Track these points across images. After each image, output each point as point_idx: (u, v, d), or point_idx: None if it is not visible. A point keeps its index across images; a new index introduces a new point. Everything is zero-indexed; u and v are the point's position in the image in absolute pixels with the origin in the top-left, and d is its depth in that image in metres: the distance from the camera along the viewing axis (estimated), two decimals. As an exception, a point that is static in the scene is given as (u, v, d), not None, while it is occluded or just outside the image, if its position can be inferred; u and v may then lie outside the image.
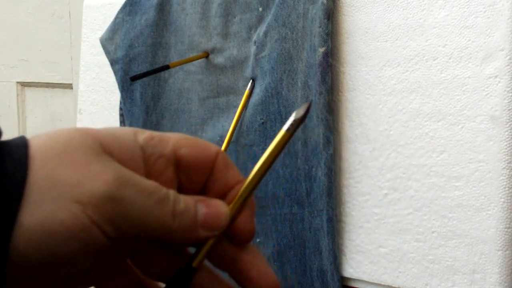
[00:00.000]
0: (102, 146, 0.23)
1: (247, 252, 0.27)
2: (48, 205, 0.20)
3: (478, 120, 0.52)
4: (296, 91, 0.61)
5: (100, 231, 0.22)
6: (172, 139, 0.26)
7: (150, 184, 0.23)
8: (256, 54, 0.64)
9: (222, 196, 0.26)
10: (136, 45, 0.76)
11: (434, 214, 0.55)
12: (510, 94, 0.50)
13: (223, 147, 0.64)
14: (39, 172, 0.21)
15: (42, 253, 0.20)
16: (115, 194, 0.22)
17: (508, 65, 0.50)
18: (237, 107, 0.65)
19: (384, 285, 0.60)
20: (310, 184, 0.61)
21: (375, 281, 0.60)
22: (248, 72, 0.66)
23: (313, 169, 0.60)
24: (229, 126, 0.65)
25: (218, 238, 0.26)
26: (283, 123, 0.62)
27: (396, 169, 0.57)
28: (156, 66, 0.73)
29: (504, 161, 0.51)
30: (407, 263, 0.58)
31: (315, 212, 0.61)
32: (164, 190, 0.24)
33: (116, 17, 0.79)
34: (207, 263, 0.27)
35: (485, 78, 0.52)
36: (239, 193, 0.26)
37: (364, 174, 0.60)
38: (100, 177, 0.22)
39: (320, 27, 0.59)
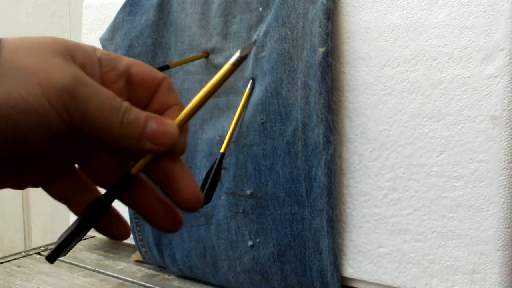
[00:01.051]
0: (68, 51, 0.26)
1: (177, 165, 0.30)
2: (14, 83, 0.24)
3: (478, 120, 0.52)
4: (296, 91, 0.61)
5: (57, 114, 0.25)
6: (126, 59, 0.29)
7: (107, 91, 0.27)
8: (256, 54, 0.64)
9: (160, 113, 0.29)
10: (136, 45, 0.76)
11: (434, 214, 0.55)
12: (510, 94, 0.50)
13: (222, 148, 0.64)
14: (8, 57, 0.24)
15: (6, 123, 0.24)
16: (73, 89, 0.25)
17: (508, 65, 0.50)
18: (237, 107, 0.65)
19: (384, 285, 0.60)
20: (310, 184, 0.61)
21: (375, 281, 0.60)
22: (248, 72, 0.66)
23: (313, 169, 0.60)
24: (229, 126, 0.65)
25: (160, 153, 0.29)
26: (283, 123, 0.62)
27: (396, 169, 0.57)
28: (156, 66, 0.73)
29: (504, 161, 0.51)
30: (407, 263, 0.58)
31: (315, 212, 0.61)
32: (118, 99, 0.27)
33: (116, 17, 0.79)
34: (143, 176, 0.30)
35: (485, 78, 0.52)
36: (181, 116, 0.29)
37: (364, 174, 0.60)
38: (62, 72, 0.25)
39: (320, 27, 0.59)
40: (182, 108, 0.30)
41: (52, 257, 0.29)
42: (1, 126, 0.24)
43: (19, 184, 0.29)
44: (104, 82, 0.28)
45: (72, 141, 0.28)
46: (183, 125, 0.29)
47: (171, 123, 0.28)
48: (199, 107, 0.30)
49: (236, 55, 0.30)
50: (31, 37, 0.27)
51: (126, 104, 0.27)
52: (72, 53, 0.27)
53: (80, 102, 0.25)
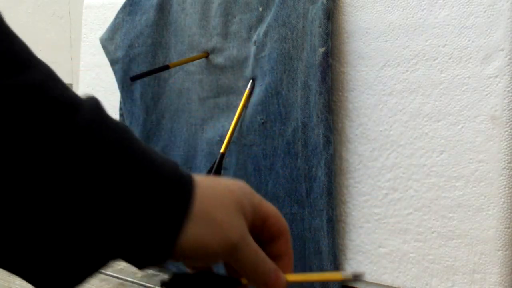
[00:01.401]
0: (242, 208, 0.34)
1: None
2: (204, 231, 0.32)
3: (478, 120, 0.52)
4: (296, 91, 0.61)
5: (222, 258, 0.34)
6: (265, 208, 0.37)
7: (263, 255, 0.36)
8: (256, 54, 0.64)
9: (274, 257, 0.38)
10: (136, 45, 0.76)
11: (434, 214, 0.55)
12: (510, 94, 0.50)
13: (222, 148, 0.64)
14: (199, 206, 0.32)
15: (190, 254, 0.32)
16: (238, 246, 0.33)
17: (508, 65, 0.50)
18: (237, 107, 0.65)
19: (384, 285, 0.60)
20: (310, 184, 0.61)
21: (375, 281, 0.60)
22: (248, 72, 0.66)
23: (313, 169, 0.60)
24: (229, 126, 0.65)
25: None
26: (283, 123, 0.62)
27: (396, 169, 0.57)
28: (156, 66, 0.73)
29: (504, 161, 0.51)
30: (407, 263, 0.58)
31: (315, 212, 0.61)
32: (270, 263, 0.36)
33: (116, 17, 0.79)
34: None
35: (485, 78, 0.52)
36: (296, 278, 0.38)
37: (364, 174, 0.60)
38: (235, 231, 0.33)
39: (320, 27, 0.59)
40: (291, 259, 0.38)
41: None
42: (188, 255, 0.32)
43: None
44: (253, 227, 0.36)
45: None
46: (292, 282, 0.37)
47: (284, 278, 0.37)
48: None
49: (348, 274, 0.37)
50: (221, 184, 0.35)
51: (274, 267, 0.36)
52: (243, 210, 0.35)
53: (239, 254, 0.33)
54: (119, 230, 0.29)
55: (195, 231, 0.31)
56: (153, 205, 0.30)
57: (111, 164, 0.28)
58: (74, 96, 0.28)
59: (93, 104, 0.29)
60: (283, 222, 0.38)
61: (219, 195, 0.34)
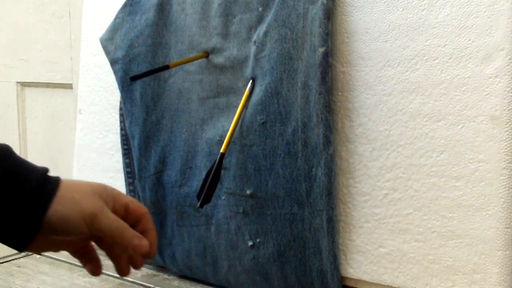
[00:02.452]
0: (99, 194, 0.47)
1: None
2: (67, 208, 0.44)
3: (478, 120, 0.52)
4: (296, 91, 0.61)
5: (86, 225, 0.45)
6: (125, 199, 0.49)
7: (116, 219, 0.47)
8: (256, 54, 0.64)
9: (142, 233, 0.49)
10: (136, 45, 0.76)
11: (434, 214, 0.55)
12: (510, 94, 0.50)
13: (222, 148, 0.64)
14: (64, 192, 0.45)
15: (61, 226, 0.44)
16: (96, 214, 0.45)
17: (508, 65, 0.50)
18: (237, 107, 0.65)
19: (384, 285, 0.60)
20: (310, 184, 0.61)
21: (375, 281, 0.60)
22: (248, 72, 0.65)
23: (313, 169, 0.60)
24: (229, 126, 0.65)
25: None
26: (283, 123, 0.62)
27: (396, 169, 0.57)
28: (156, 66, 0.73)
29: (504, 161, 0.51)
30: (407, 263, 0.58)
31: (315, 212, 0.61)
32: (124, 223, 0.48)
33: (116, 17, 0.79)
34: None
35: (485, 78, 0.52)
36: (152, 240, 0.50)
37: (364, 174, 0.60)
38: (92, 204, 0.45)
39: (320, 27, 0.59)
40: (154, 233, 0.50)
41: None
42: (59, 228, 0.44)
43: (56, 250, 0.52)
44: (114, 210, 0.48)
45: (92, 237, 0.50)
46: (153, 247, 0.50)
47: (146, 242, 0.48)
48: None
49: None
50: (84, 182, 0.47)
51: (137, 234, 0.49)
52: (103, 196, 0.47)
53: (99, 222, 0.45)
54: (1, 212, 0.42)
55: (59, 208, 0.44)
56: (26, 192, 0.43)
57: None
58: None
59: None
60: (142, 207, 0.50)
61: (80, 185, 0.46)
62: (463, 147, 0.53)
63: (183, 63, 0.71)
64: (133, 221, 0.49)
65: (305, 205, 0.61)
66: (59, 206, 0.43)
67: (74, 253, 0.52)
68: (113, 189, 0.48)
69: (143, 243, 0.48)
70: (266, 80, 0.63)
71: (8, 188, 0.42)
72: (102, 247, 0.51)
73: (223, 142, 0.65)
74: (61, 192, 0.44)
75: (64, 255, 0.84)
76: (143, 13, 0.76)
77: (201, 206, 0.64)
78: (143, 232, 0.49)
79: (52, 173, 0.46)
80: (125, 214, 0.49)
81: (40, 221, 0.43)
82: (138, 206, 0.49)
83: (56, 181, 0.45)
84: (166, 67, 0.70)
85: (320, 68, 0.59)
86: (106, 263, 0.52)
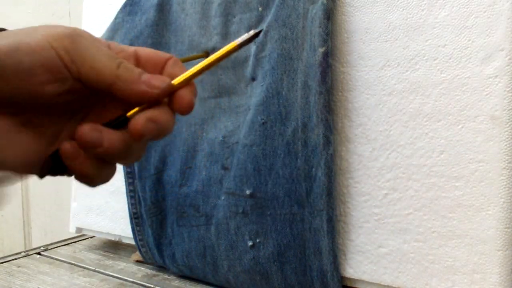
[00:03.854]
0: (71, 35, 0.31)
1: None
2: (23, 35, 0.29)
3: (478, 120, 0.52)
4: (296, 91, 0.61)
5: (56, 54, 0.30)
6: (134, 47, 0.34)
7: (104, 42, 0.32)
8: (256, 54, 0.64)
9: None
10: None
11: (434, 214, 0.55)
12: (510, 94, 0.50)
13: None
14: (12, 31, 0.30)
15: (12, 61, 0.28)
16: (73, 36, 0.30)
17: (508, 65, 0.50)
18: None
19: (384, 285, 0.60)
20: (310, 184, 0.61)
21: (375, 281, 0.60)
22: (248, 72, 0.66)
23: (313, 169, 0.60)
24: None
25: (152, 102, 0.33)
26: (283, 123, 0.62)
27: (396, 169, 0.57)
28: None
29: (504, 161, 0.51)
30: (407, 263, 0.58)
31: (315, 212, 0.61)
32: (113, 52, 0.32)
33: (116, 17, 0.79)
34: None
35: (485, 78, 0.52)
36: (183, 75, 0.34)
37: (364, 174, 0.60)
38: (63, 28, 0.30)
39: (320, 27, 0.59)
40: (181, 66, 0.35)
41: None
42: (7, 63, 0.28)
43: (27, 157, 0.32)
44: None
45: (78, 96, 0.32)
46: (185, 83, 0.34)
47: (163, 76, 0.33)
48: (200, 71, 0.35)
49: (244, 35, 0.34)
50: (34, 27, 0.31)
51: (121, 58, 0.32)
52: (77, 36, 0.31)
53: (79, 48, 0.30)
54: None
55: (12, 39, 0.29)
56: None
57: None
58: None
59: None
60: (158, 51, 0.35)
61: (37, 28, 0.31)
62: (463, 147, 0.53)
63: (183, 62, 0.71)
64: (152, 72, 0.33)
65: (305, 205, 0.61)
66: (9, 38, 0.29)
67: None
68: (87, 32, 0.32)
69: (158, 76, 0.33)
70: (267, 80, 0.63)
71: None
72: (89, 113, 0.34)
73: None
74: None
75: (64, 255, 0.84)
76: (143, 13, 0.76)
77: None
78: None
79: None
80: (136, 64, 0.34)
81: None
82: (151, 51, 0.35)
83: None
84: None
85: (320, 68, 0.59)
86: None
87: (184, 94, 0.33)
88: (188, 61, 0.71)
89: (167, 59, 0.34)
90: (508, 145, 0.51)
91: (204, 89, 0.70)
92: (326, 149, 0.59)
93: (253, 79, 0.65)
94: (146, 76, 0.32)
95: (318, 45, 0.59)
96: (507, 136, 0.51)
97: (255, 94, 0.65)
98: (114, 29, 0.79)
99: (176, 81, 0.33)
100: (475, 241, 0.53)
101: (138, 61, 0.34)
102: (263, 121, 0.64)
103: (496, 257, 0.52)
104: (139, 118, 0.31)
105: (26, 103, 0.30)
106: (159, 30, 0.74)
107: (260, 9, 0.64)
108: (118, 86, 0.31)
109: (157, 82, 0.32)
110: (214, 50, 0.69)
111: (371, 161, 0.59)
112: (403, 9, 0.56)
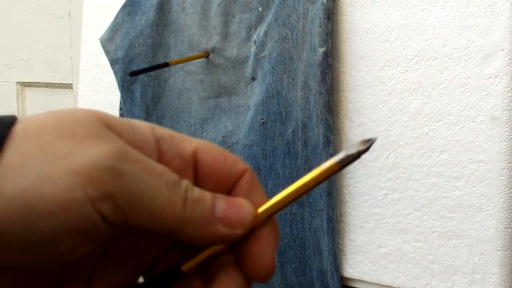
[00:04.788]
0: (108, 125, 0.20)
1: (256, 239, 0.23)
2: (34, 174, 0.17)
3: (478, 120, 0.52)
4: (296, 91, 0.61)
5: (94, 209, 0.18)
6: (195, 142, 0.23)
7: (159, 165, 0.20)
8: (256, 54, 0.64)
9: None
10: (136, 45, 0.76)
11: (434, 214, 0.55)
12: (510, 94, 0.50)
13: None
14: (28, 143, 0.18)
15: (21, 229, 0.17)
16: (115, 167, 0.18)
17: (508, 65, 0.50)
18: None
19: (384, 285, 0.60)
20: (310, 184, 0.61)
21: (375, 281, 0.60)
22: (248, 72, 0.66)
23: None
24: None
25: (227, 246, 0.23)
26: (282, 123, 0.62)
27: (396, 169, 0.57)
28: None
29: (504, 161, 0.51)
30: (407, 263, 0.58)
31: (315, 212, 0.61)
32: (175, 174, 0.21)
33: (116, 17, 0.79)
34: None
35: (485, 78, 0.52)
36: (265, 206, 0.24)
37: (364, 174, 0.60)
38: (99, 149, 0.19)
39: (320, 27, 0.59)
40: (260, 192, 0.24)
41: None
42: (11, 233, 0.17)
43: None
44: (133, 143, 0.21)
45: (123, 244, 0.22)
46: (267, 214, 0.23)
47: (244, 200, 0.22)
48: (289, 201, 0.25)
49: (343, 153, 0.25)
50: (60, 111, 0.21)
51: (186, 181, 0.21)
52: (116, 129, 0.20)
53: (127, 186, 0.19)
54: None
55: (18, 185, 0.18)
56: None
57: None
58: None
59: None
60: (227, 157, 0.24)
61: (62, 122, 0.20)
62: (463, 147, 0.53)
63: (183, 61, 0.71)
64: (215, 191, 0.23)
65: (305, 205, 0.61)
66: (15, 183, 0.17)
67: None
68: (127, 119, 0.22)
69: (239, 204, 0.22)
70: (267, 80, 0.63)
71: None
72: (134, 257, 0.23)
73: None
74: (19, 135, 0.18)
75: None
76: (143, 13, 0.76)
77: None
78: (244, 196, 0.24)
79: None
80: (194, 178, 0.23)
81: None
82: (217, 157, 0.23)
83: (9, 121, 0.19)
84: (166, 65, 0.70)
85: (320, 68, 0.59)
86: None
87: (264, 246, 0.22)
88: (188, 61, 0.71)
89: (242, 173, 0.24)
90: (508, 145, 0.51)
91: (204, 89, 0.70)
92: (326, 149, 0.59)
93: (253, 79, 0.65)
94: (221, 209, 0.21)
95: (318, 45, 0.59)
96: (507, 136, 0.51)
97: (255, 94, 0.65)
98: (114, 29, 0.79)
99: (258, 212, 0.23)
100: (475, 241, 0.53)
101: (197, 172, 0.23)
102: (263, 121, 0.64)
103: (496, 257, 0.52)
104: None
105: (33, 271, 0.20)
106: (159, 30, 0.74)
107: (260, 9, 0.64)
108: (185, 231, 0.21)
109: (237, 215, 0.22)
110: (214, 50, 0.69)
111: (371, 161, 0.59)
112: (403, 9, 0.56)
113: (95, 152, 0.18)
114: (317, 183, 0.25)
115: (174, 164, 0.22)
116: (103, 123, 0.20)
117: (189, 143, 0.23)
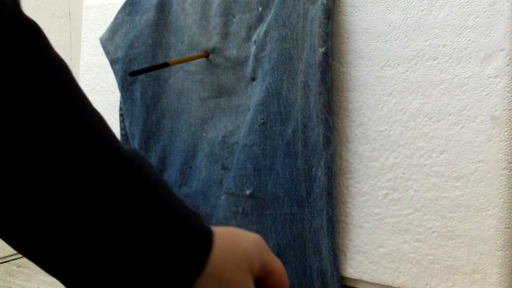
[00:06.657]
0: (251, 265, 0.35)
1: None
2: (214, 287, 0.33)
3: (478, 120, 0.52)
4: (296, 91, 0.61)
5: None
6: (275, 266, 0.38)
7: None
8: (256, 54, 0.64)
9: None
10: (136, 45, 0.76)
11: (434, 214, 0.55)
12: (510, 94, 0.50)
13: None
14: (215, 264, 0.32)
15: None
16: None
17: (508, 65, 0.50)
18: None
19: (384, 285, 0.60)
20: (310, 184, 0.61)
21: (375, 281, 0.60)
22: (248, 72, 0.66)
23: (313, 169, 0.60)
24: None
25: None
26: (282, 123, 0.62)
27: (396, 169, 0.57)
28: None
29: (504, 161, 0.51)
30: (407, 263, 0.58)
31: (315, 212, 0.61)
32: None
33: (116, 17, 0.79)
34: None
35: (485, 78, 0.52)
36: None
37: (364, 174, 0.60)
38: None
39: (320, 27, 0.59)
40: None
41: None
42: None
43: None
44: (256, 277, 0.36)
45: None
46: None
47: None
48: None
49: None
50: (236, 242, 0.36)
51: None
52: (253, 267, 0.36)
53: None
54: (137, 276, 0.30)
55: (206, 287, 0.32)
56: (171, 258, 0.31)
57: (145, 214, 0.31)
58: (121, 148, 0.32)
59: (139, 158, 0.32)
60: (284, 279, 0.39)
61: (232, 254, 0.35)
62: (463, 147, 0.53)
63: (183, 61, 0.71)
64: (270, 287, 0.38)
65: (305, 205, 0.61)
66: (208, 285, 0.33)
67: None
68: (265, 251, 0.38)
69: None
70: (267, 80, 0.63)
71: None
72: None
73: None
74: (213, 263, 0.33)
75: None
76: (143, 13, 0.76)
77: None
78: None
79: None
80: (265, 278, 0.38)
81: None
82: (281, 276, 0.38)
83: (208, 239, 0.33)
84: (166, 64, 0.70)
85: (320, 68, 0.59)
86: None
87: None
88: (188, 61, 0.71)
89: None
90: (508, 145, 0.51)
91: (204, 89, 0.70)
92: (326, 149, 0.59)
93: (253, 79, 0.65)
94: None
95: (318, 45, 0.59)
96: (507, 136, 0.51)
97: (255, 94, 0.65)
98: (114, 29, 0.79)
99: None
100: (475, 241, 0.53)
101: (267, 277, 0.38)
102: (263, 121, 0.64)
103: (496, 257, 0.52)
104: None
105: None
106: (159, 30, 0.74)
107: (260, 9, 0.64)
108: None
109: None
110: (214, 50, 0.69)
111: (371, 161, 0.59)
112: (403, 9, 0.56)
113: None
114: None
115: (261, 273, 0.37)
116: (249, 267, 0.36)
117: (272, 265, 0.38)
